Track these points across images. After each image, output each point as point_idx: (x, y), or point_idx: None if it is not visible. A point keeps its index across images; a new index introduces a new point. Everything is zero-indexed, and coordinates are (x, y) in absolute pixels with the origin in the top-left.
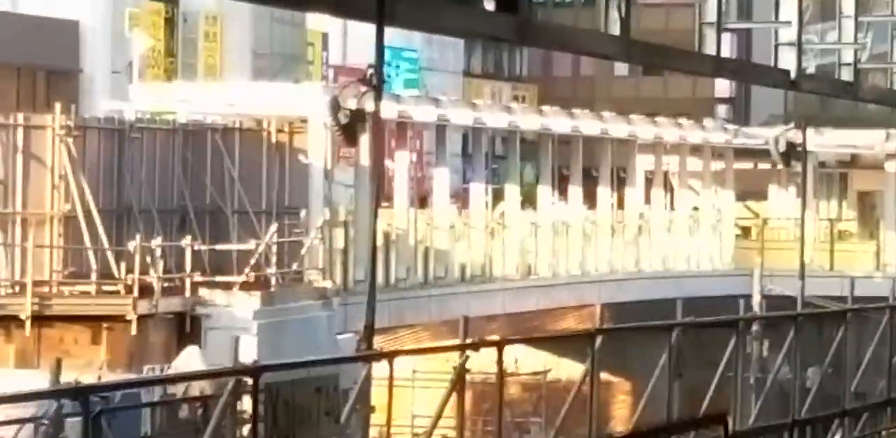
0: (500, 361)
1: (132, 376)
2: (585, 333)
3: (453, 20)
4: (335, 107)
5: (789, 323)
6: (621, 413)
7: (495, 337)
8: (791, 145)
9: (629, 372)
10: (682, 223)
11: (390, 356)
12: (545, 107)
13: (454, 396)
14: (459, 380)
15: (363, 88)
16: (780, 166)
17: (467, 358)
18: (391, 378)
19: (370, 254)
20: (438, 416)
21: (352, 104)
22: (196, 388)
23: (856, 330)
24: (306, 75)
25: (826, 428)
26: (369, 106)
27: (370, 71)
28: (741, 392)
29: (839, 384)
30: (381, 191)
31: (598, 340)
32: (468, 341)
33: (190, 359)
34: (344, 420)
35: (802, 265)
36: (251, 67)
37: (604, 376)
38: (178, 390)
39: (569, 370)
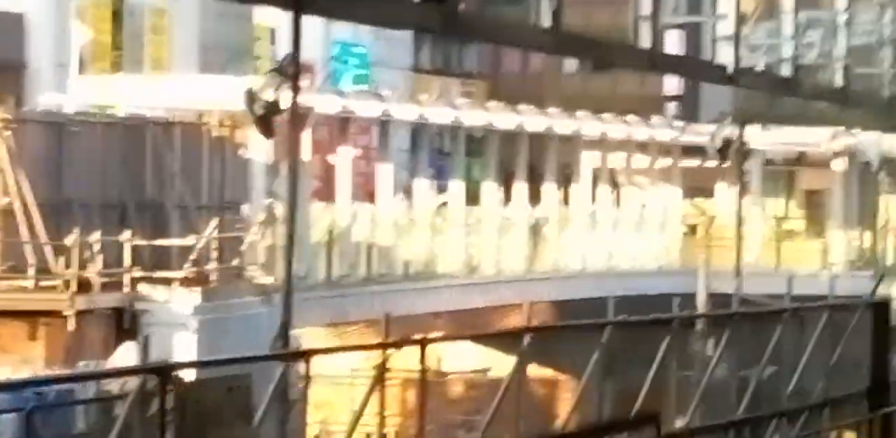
0: (422, 360)
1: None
2: (515, 331)
3: (376, 9)
4: (250, 98)
5: (726, 322)
6: (565, 411)
7: (420, 336)
8: (728, 142)
9: (574, 370)
10: (629, 220)
11: (307, 355)
12: (491, 103)
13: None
14: (379, 379)
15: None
16: (726, 164)
17: (388, 356)
18: (307, 377)
19: (286, 252)
20: (359, 414)
21: (268, 96)
22: (133, 385)
23: (795, 329)
24: (254, 70)
25: (764, 428)
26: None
27: (285, 60)
28: (680, 392)
29: (780, 384)
30: (296, 184)
31: (527, 339)
32: (392, 340)
33: (126, 355)
34: (258, 422)
35: (739, 261)
36: (199, 61)
37: (548, 373)
38: (114, 387)
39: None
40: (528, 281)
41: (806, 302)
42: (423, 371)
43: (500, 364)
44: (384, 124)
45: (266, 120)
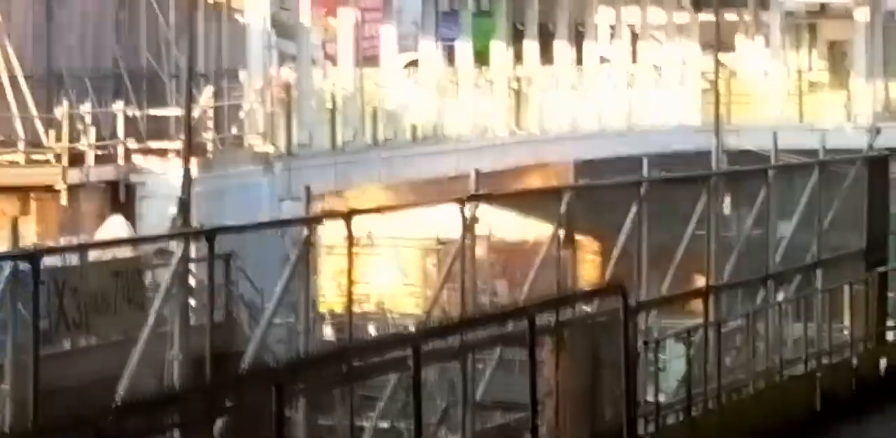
0: (349, 234)
1: None
2: (553, 190)
3: None
4: None
5: (759, 178)
6: (589, 272)
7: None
8: None
9: (598, 231)
10: (646, 77)
11: (210, 233)
12: None
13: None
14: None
15: None
16: (747, 17)
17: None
18: (211, 255)
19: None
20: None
21: None
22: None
23: (825, 184)
24: None
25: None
26: None
27: None
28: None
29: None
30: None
31: (566, 197)
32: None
33: (114, 228)
34: (159, 306)
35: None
36: None
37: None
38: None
39: (537, 231)
40: (541, 141)
41: (837, 155)
42: (350, 241)
43: (523, 228)
44: None
45: None
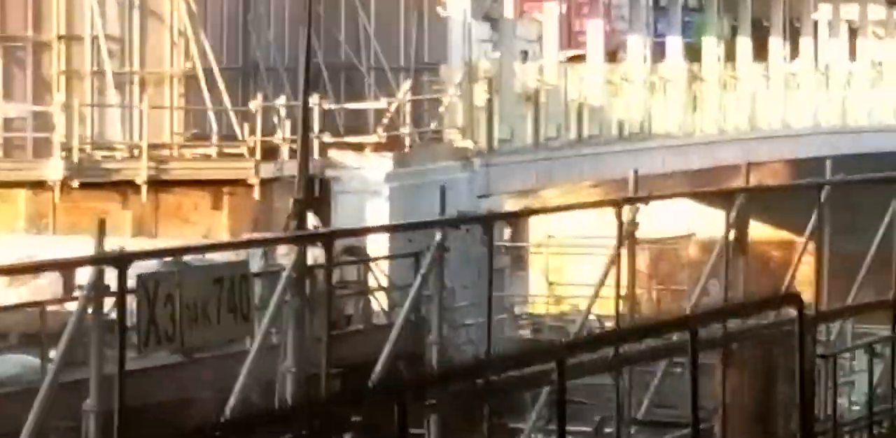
0: (489, 237)
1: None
2: (727, 192)
3: None
4: None
5: None
6: (806, 275)
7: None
8: None
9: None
10: (864, 75)
11: (328, 237)
12: None
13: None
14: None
15: None
16: None
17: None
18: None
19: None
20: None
21: None
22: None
23: None
24: None
25: None
26: None
27: None
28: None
29: None
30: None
31: (740, 199)
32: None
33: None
34: (269, 316)
35: None
36: None
37: (786, 235)
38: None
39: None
40: (751, 139)
41: None
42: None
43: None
44: None
45: None
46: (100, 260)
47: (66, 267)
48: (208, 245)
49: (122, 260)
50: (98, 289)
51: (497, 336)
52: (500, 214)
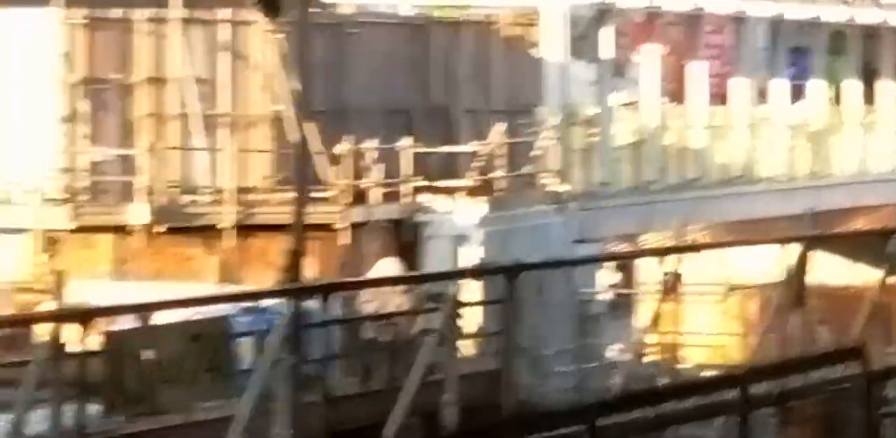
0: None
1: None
2: (879, 233)
3: None
4: None
5: None
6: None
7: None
8: None
9: None
10: None
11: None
12: None
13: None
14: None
15: None
16: None
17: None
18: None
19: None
20: None
21: None
22: (391, 306)
23: None
24: None
25: None
26: None
27: None
28: None
29: None
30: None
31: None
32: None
33: (386, 271)
34: (261, 372)
35: None
36: None
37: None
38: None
39: (866, 275)
40: (862, 183)
41: None
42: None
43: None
44: (694, 19)
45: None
46: (62, 317)
47: (25, 324)
48: (184, 300)
49: (87, 316)
50: (56, 347)
51: (583, 385)
52: (525, 265)
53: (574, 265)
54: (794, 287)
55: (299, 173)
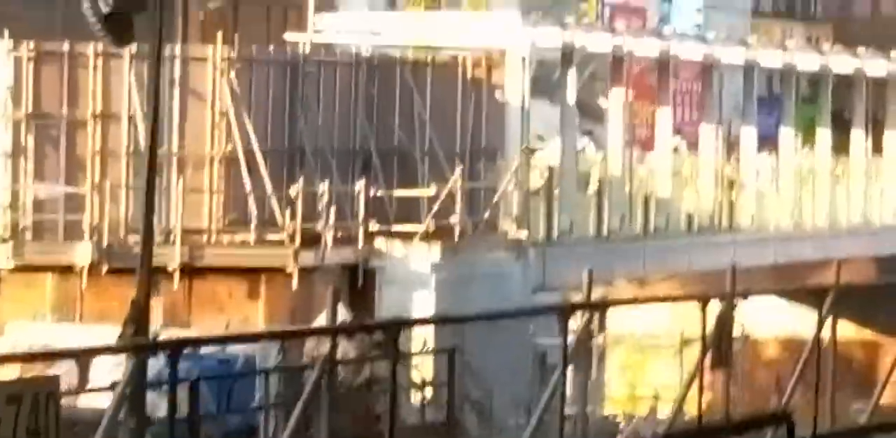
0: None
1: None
2: (816, 290)
3: None
4: None
5: None
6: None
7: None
8: None
9: None
10: None
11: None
12: (825, 47)
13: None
14: None
15: None
16: None
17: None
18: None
19: (146, 208)
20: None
21: None
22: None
23: None
24: (578, 13)
25: None
26: None
27: None
28: None
29: None
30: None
31: (829, 298)
32: None
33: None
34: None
35: None
36: (519, 1)
37: (867, 335)
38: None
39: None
40: (831, 236)
41: None
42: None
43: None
44: (663, 65)
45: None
46: None
47: None
48: (59, 352)
49: None
50: None
51: None
52: (405, 321)
53: (459, 322)
54: (716, 345)
55: (148, 210)
